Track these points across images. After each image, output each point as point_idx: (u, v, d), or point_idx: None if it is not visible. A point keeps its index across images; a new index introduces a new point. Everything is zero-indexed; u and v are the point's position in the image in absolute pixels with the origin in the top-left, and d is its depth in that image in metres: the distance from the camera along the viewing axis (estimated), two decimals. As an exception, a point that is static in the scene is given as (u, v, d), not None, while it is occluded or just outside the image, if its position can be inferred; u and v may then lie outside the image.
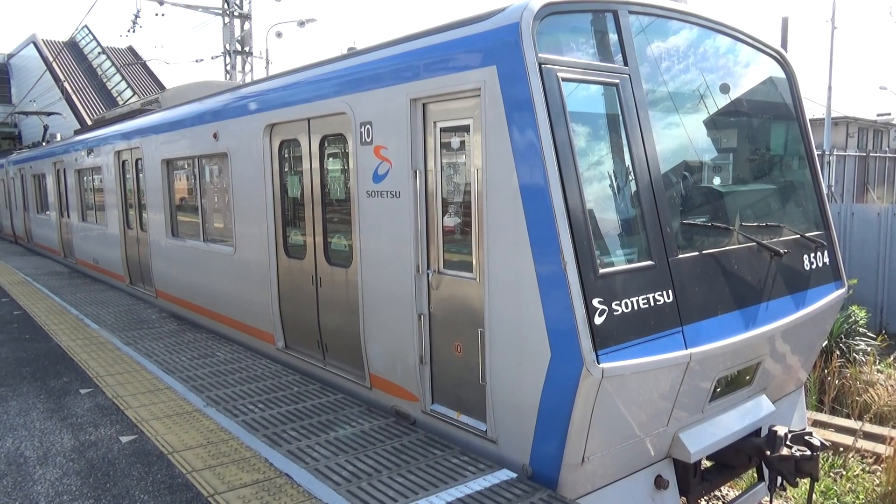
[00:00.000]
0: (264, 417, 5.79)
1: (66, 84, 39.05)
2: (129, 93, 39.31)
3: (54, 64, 39.58)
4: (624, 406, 4.42)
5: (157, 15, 22.23)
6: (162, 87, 35.55)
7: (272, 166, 7.27)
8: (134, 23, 21.03)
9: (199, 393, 6.47)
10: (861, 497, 7.82)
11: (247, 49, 21.83)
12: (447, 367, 5.35)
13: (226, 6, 21.63)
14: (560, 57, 4.45)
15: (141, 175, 11.12)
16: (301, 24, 25.52)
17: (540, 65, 4.28)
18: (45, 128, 23.96)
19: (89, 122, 24.60)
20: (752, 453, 5.50)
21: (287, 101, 6.83)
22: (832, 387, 10.77)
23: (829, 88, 27.99)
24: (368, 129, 5.68)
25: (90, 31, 45.41)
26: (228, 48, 21.68)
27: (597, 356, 4.11)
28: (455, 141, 5.07)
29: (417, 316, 5.41)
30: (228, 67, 21.73)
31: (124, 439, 5.35)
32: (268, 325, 7.67)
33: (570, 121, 4.34)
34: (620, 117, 4.66)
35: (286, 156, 7.18)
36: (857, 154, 36.94)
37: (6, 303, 11.55)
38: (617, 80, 4.66)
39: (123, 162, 11.92)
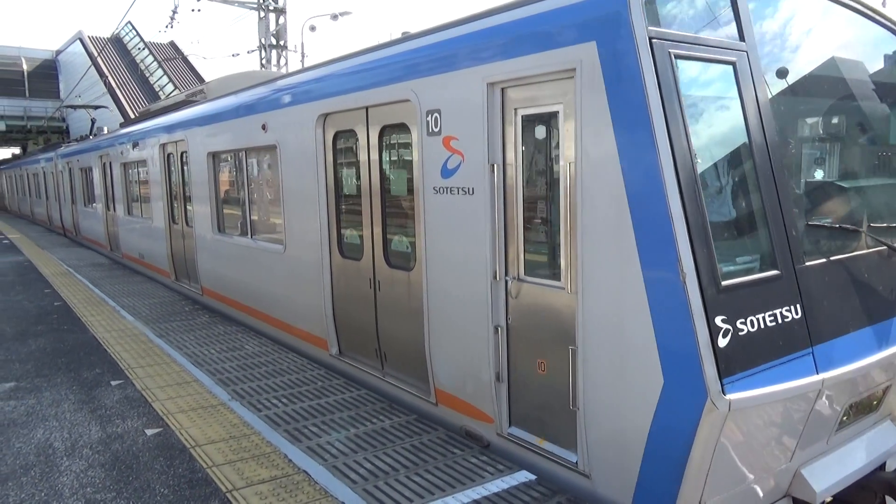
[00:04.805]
0: (287, 412, 5.82)
1: (109, 79, 40.06)
2: (170, 87, 40.14)
3: (99, 59, 40.63)
4: (749, 442, 3.86)
5: (193, 10, 22.58)
6: (202, 81, 36.20)
7: (325, 159, 6.77)
8: (172, 18, 21.42)
9: (226, 386, 6.54)
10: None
11: (281, 43, 22.03)
12: (528, 386, 4.75)
13: (261, 1, 21.83)
14: (670, 31, 3.78)
15: (186, 168, 10.82)
16: (335, 17, 25.64)
17: (650, 39, 3.64)
18: (93, 121, 24.30)
19: (132, 116, 25.11)
20: (879, 489, 4.75)
21: (342, 89, 6.29)
22: None
23: None
24: (436, 117, 5.08)
25: (133, 27, 46.47)
26: (264, 42, 21.90)
27: (722, 386, 3.49)
28: (540, 131, 4.48)
29: (494, 328, 4.81)
30: (264, 61, 21.96)
31: (150, 432, 5.44)
32: (320, 329, 7.21)
33: (684, 105, 3.70)
34: (738, 101, 3.98)
35: (341, 148, 6.67)
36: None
37: (48, 294, 11.90)
38: (734, 58, 3.99)
39: (168, 155, 11.62)
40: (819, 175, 4.76)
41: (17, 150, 61.86)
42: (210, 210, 9.90)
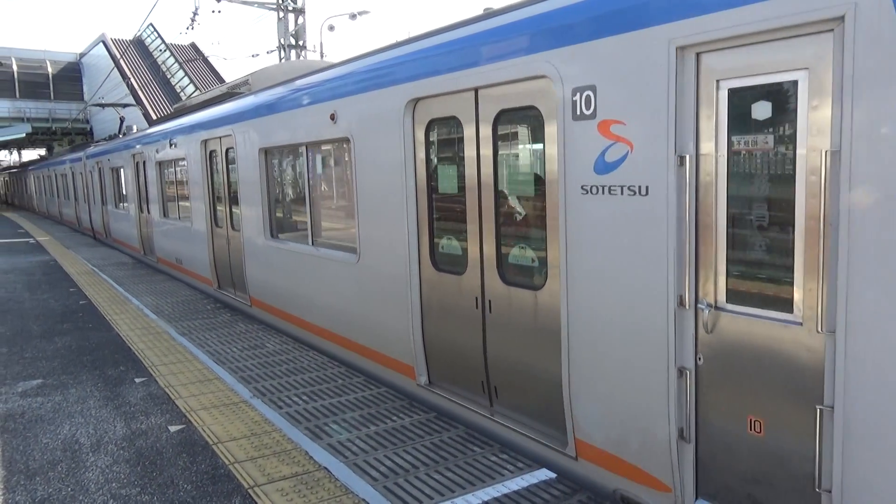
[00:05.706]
0: (307, 410, 5.86)
1: (132, 80, 40.62)
2: (191, 88, 40.60)
3: (121, 61, 41.21)
4: None
5: (213, 12, 22.82)
6: (222, 81, 36.58)
7: (416, 153, 5.77)
8: (192, 20, 21.65)
9: (247, 384, 6.61)
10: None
11: (300, 43, 22.18)
12: (730, 450, 3.71)
13: (280, 1, 21.99)
14: None
15: (232, 166, 9.81)
16: (353, 16, 25.77)
17: None
18: (122, 119, 23.46)
19: (154, 117, 25.27)
20: None
21: (441, 68, 5.29)
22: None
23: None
24: (589, 96, 4.07)
25: (155, 29, 47.09)
26: (283, 42, 22.06)
27: None
28: (760, 109, 3.42)
29: (678, 370, 3.78)
30: (283, 62, 22.11)
31: (173, 429, 5.51)
32: (405, 354, 6.19)
33: None
34: None
35: (437, 139, 5.65)
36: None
37: (74, 293, 12.10)
38: None
39: (211, 152, 10.72)
40: None
41: (42, 152, 63.06)
42: (261, 213, 8.91)
